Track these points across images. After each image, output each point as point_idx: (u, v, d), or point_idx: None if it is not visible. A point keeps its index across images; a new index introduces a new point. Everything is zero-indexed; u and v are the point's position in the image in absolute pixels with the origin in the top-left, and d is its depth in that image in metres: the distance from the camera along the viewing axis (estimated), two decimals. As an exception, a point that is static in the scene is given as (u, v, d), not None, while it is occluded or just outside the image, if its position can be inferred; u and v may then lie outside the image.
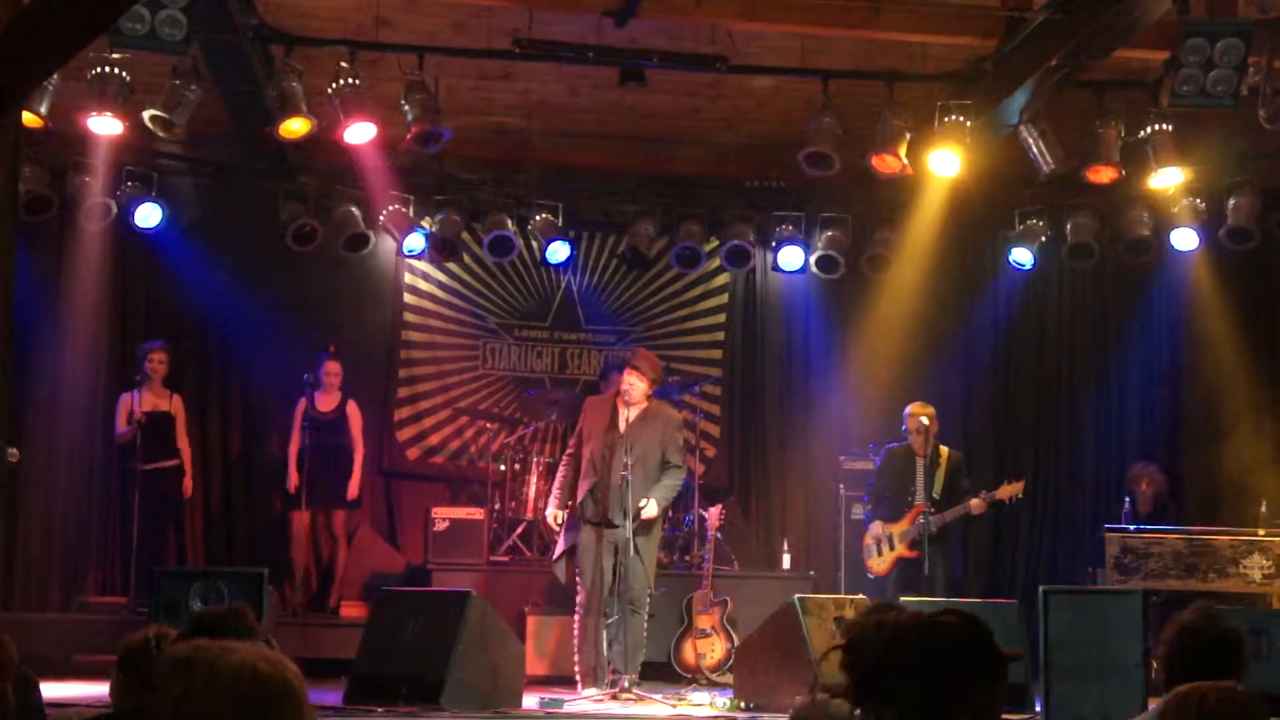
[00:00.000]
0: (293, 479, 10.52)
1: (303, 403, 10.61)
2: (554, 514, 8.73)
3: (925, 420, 9.60)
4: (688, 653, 9.71)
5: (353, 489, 10.66)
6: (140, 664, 3.71)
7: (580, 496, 8.49)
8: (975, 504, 9.45)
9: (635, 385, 8.54)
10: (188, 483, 10.49)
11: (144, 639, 3.79)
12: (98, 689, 6.74)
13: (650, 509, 8.42)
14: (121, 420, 10.29)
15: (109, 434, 10.55)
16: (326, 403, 10.67)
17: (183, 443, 10.46)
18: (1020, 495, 9.58)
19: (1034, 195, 11.14)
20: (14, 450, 8.70)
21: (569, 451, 8.85)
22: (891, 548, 9.62)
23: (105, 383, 10.88)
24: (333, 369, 10.64)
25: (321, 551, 10.75)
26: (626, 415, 8.54)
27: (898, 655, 2.41)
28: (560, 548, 8.69)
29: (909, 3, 8.81)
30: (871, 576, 9.79)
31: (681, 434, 8.96)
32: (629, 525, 8.25)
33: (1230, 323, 11.88)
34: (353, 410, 10.73)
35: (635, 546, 8.29)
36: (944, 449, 9.70)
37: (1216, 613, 3.91)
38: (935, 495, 9.52)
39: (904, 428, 9.75)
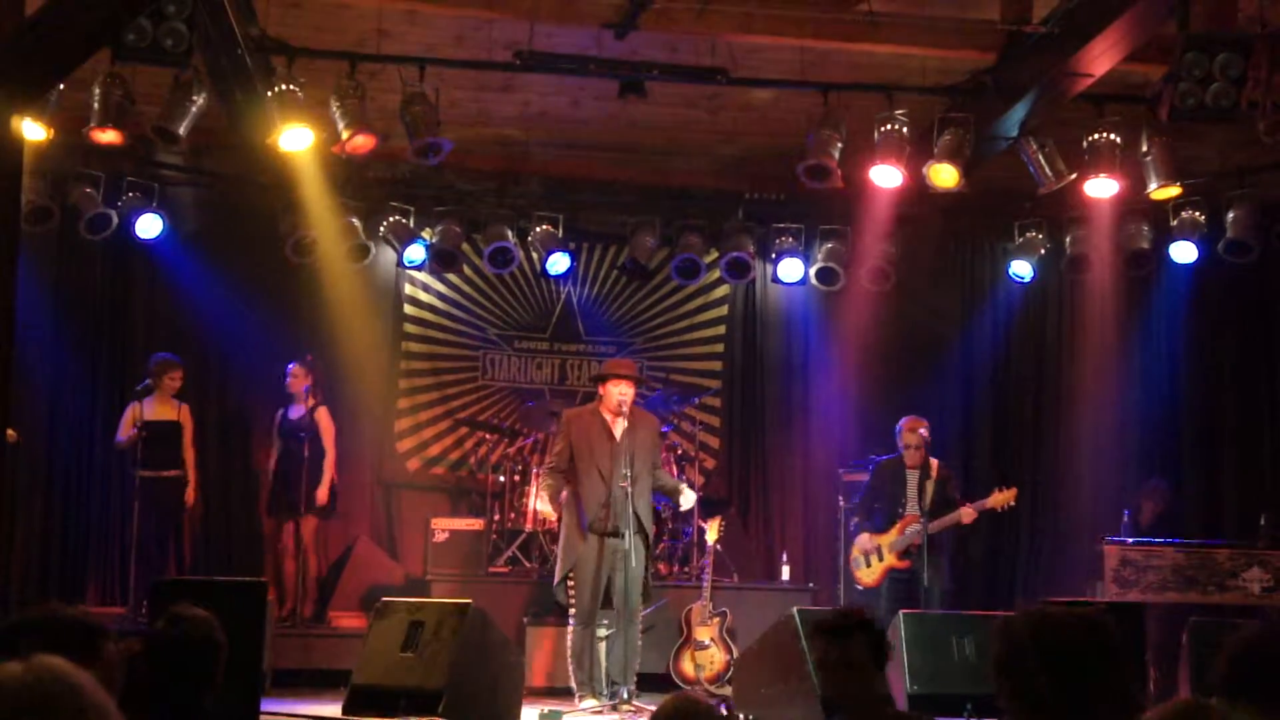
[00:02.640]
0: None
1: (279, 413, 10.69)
2: (548, 508, 8.71)
3: (924, 433, 9.62)
4: (686, 664, 9.71)
5: (320, 495, 10.55)
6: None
7: (584, 511, 8.46)
8: (966, 512, 9.43)
9: (628, 394, 8.55)
10: (190, 493, 10.47)
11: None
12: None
13: (690, 496, 8.87)
14: (125, 427, 10.29)
15: (109, 442, 10.55)
16: (297, 410, 10.68)
17: (188, 453, 10.46)
18: (1012, 503, 9.55)
19: (1033, 208, 11.16)
20: (11, 432, 8.69)
21: (550, 465, 8.82)
22: (881, 559, 9.62)
23: (105, 392, 10.89)
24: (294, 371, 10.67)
25: (295, 561, 10.67)
26: (621, 425, 8.51)
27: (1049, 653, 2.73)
28: (560, 571, 8.64)
29: (908, 16, 8.84)
30: (861, 588, 9.80)
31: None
32: (630, 535, 8.25)
33: (1229, 335, 11.89)
34: (321, 416, 10.70)
35: (635, 557, 8.30)
36: (934, 462, 9.69)
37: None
38: (926, 507, 9.52)
39: (901, 441, 9.72)
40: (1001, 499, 9.45)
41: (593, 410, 8.72)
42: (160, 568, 10.18)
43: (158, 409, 10.26)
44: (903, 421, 9.78)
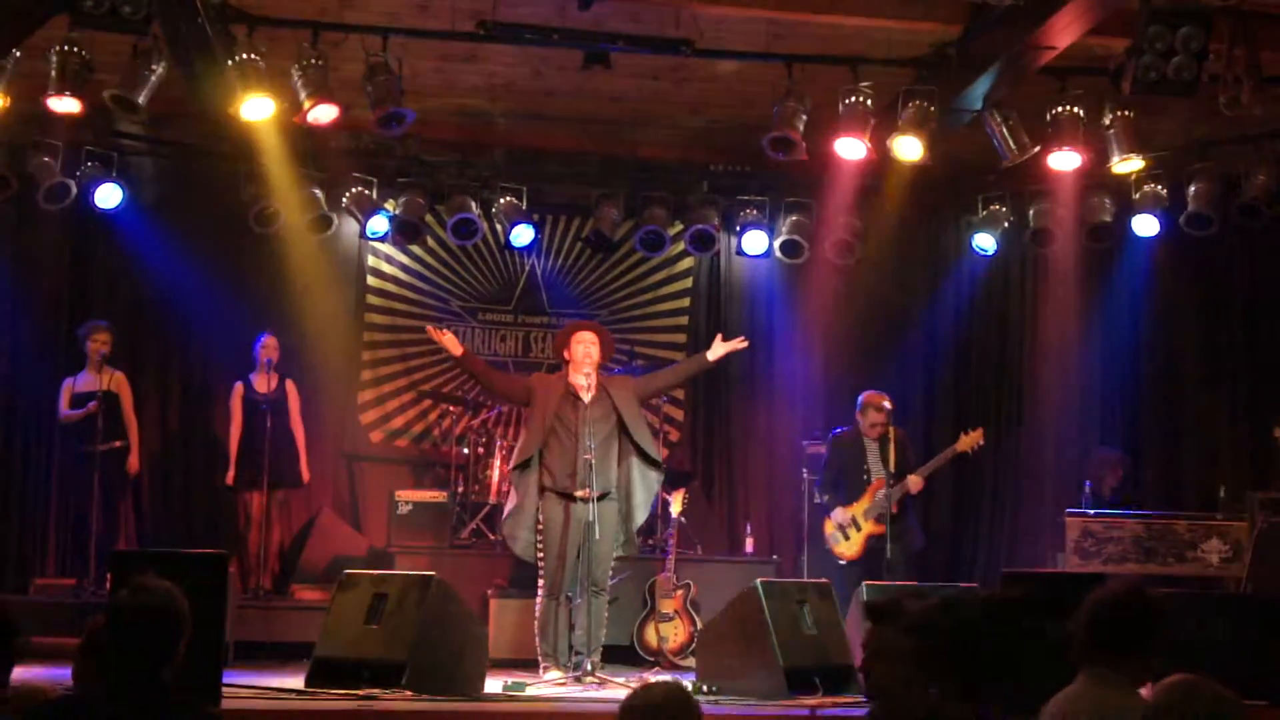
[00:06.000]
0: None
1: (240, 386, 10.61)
2: (454, 339, 8.53)
3: (887, 406, 9.61)
4: (650, 636, 9.73)
5: (304, 473, 10.66)
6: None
7: (545, 473, 8.36)
8: (914, 481, 9.39)
9: (592, 351, 8.44)
10: (133, 460, 10.38)
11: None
12: (55, 672, 6.69)
13: (716, 347, 8.63)
14: (64, 403, 10.19)
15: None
16: (262, 383, 10.62)
17: (130, 421, 10.36)
18: (981, 443, 9.57)
19: (997, 181, 11.19)
20: None
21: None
22: (859, 529, 9.56)
23: (63, 364, 10.78)
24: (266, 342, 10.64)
25: (259, 533, 10.62)
26: (586, 386, 8.37)
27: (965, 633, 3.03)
28: (510, 505, 8.51)
29: (873, -13, 8.84)
30: (843, 563, 9.66)
31: None
32: (594, 505, 8.19)
33: (1190, 308, 11.98)
34: (290, 389, 10.66)
35: (599, 529, 8.24)
36: (893, 429, 9.67)
37: (1141, 586, 3.93)
38: (892, 472, 9.52)
39: (863, 415, 9.69)
40: (970, 441, 9.47)
41: (559, 378, 8.63)
42: (111, 540, 10.10)
43: (91, 380, 10.15)
44: (864, 395, 9.78)
